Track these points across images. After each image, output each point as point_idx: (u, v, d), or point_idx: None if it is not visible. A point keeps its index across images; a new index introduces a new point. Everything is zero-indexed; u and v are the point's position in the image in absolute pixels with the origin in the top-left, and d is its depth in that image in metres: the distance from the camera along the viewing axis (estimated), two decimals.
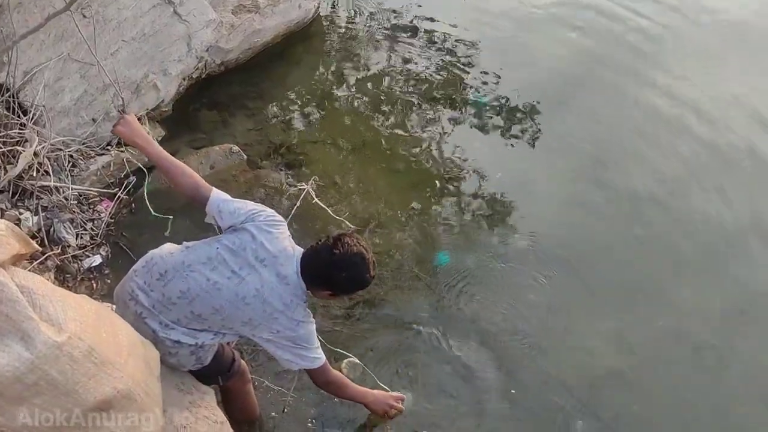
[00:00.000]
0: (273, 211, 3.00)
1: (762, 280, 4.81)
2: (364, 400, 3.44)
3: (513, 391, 3.96)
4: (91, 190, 4.55)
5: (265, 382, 3.77)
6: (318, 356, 3.03)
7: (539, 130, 5.98)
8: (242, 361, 3.35)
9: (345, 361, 3.93)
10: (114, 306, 3.38)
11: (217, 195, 2.99)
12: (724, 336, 4.42)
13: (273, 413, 3.70)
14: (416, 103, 6.08)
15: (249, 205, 2.99)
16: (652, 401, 4.02)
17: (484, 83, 6.34)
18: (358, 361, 3.94)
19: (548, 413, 3.88)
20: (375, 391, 3.51)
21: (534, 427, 3.81)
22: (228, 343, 3.23)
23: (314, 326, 3.01)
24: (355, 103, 6.00)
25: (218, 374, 3.21)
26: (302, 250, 2.96)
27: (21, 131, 4.32)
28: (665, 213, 5.25)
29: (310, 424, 3.71)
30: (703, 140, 5.98)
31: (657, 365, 4.21)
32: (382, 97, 6.10)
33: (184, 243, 3.03)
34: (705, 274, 4.82)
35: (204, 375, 3.19)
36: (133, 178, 4.72)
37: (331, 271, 2.85)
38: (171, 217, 4.16)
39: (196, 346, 2.96)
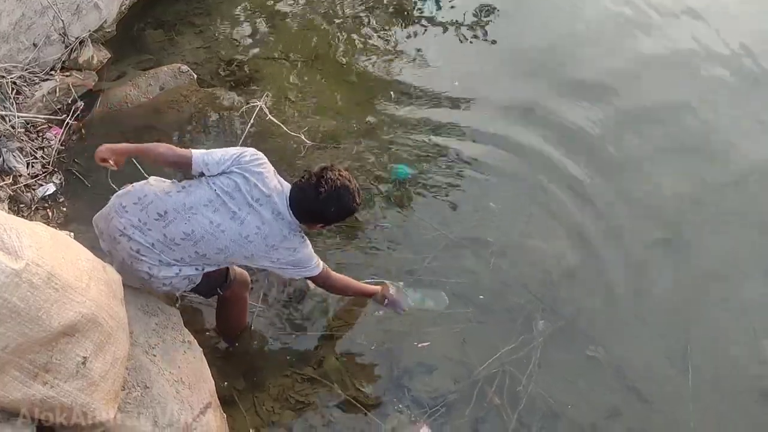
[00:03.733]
0: (253, 149, 3.06)
1: (715, 171, 4.90)
2: (370, 293, 3.70)
3: (481, 297, 4.03)
4: (38, 117, 4.43)
5: None
6: (317, 266, 3.21)
7: (493, 35, 5.93)
8: (239, 269, 3.39)
9: None
10: (71, 233, 3.35)
11: (198, 154, 3.03)
12: (677, 228, 4.53)
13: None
14: (368, 13, 5.96)
15: (230, 151, 3.04)
16: (609, 295, 4.12)
17: None
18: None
19: (511, 315, 3.96)
20: (377, 287, 3.72)
21: (498, 330, 3.89)
22: None
23: (310, 246, 3.17)
24: (306, 16, 5.86)
25: (216, 286, 3.28)
26: (289, 185, 3.04)
27: None
28: (616, 111, 5.28)
29: (280, 333, 3.77)
30: (659, 40, 5.99)
31: (612, 261, 4.29)
32: (333, 9, 5.97)
33: (176, 182, 3.06)
34: (659, 168, 4.88)
35: (203, 291, 3.28)
36: (80, 103, 4.60)
37: (320, 209, 2.97)
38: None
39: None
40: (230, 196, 2.94)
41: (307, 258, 3.15)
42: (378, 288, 3.70)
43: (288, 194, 3.00)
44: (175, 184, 3.04)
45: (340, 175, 2.97)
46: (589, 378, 3.76)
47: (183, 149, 3.07)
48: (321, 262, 3.23)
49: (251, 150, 3.05)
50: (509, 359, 3.75)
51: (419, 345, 3.78)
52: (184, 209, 2.93)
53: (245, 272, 3.44)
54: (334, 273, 3.36)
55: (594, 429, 3.57)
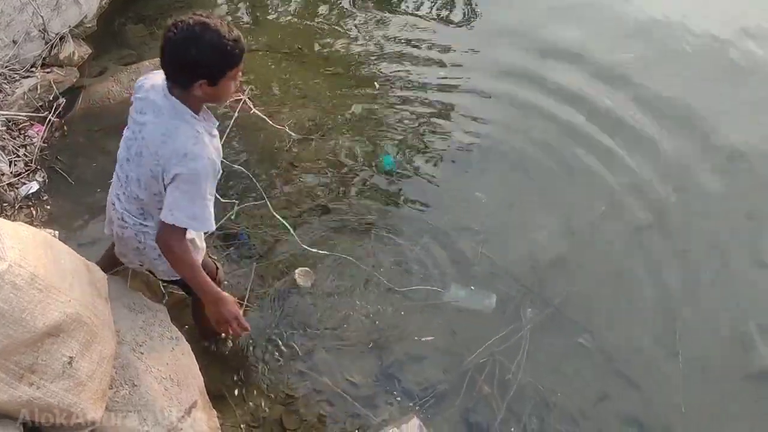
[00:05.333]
0: None
1: (700, 156, 4.93)
2: (203, 295, 2.85)
3: (472, 288, 4.03)
4: (19, 115, 4.39)
5: None
6: (209, 218, 2.70)
7: (476, 19, 5.94)
8: (221, 272, 3.33)
9: (297, 270, 3.95)
10: (56, 233, 3.33)
11: None
12: (664, 213, 4.55)
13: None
14: (351, 4, 5.96)
15: None
16: (597, 282, 4.15)
17: None
18: (310, 270, 3.97)
19: (500, 303, 3.97)
20: (224, 295, 2.89)
21: (487, 319, 3.89)
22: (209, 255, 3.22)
23: (209, 168, 2.62)
24: (288, 7, 5.83)
25: None
26: None
27: None
28: (601, 101, 5.30)
29: (268, 328, 3.74)
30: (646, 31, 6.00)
31: (599, 247, 4.32)
32: (316, 0, 5.96)
33: None
34: (643, 154, 4.91)
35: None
36: (62, 100, 4.57)
37: (179, 58, 2.52)
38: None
39: None
40: (127, 127, 2.77)
41: (199, 182, 2.59)
42: (224, 298, 2.86)
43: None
44: None
45: (194, 14, 2.53)
46: (578, 364, 3.77)
47: None
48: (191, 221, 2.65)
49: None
50: (498, 348, 3.75)
51: (422, 339, 3.78)
52: (120, 162, 2.83)
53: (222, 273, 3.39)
54: (186, 241, 2.77)
55: (584, 415, 3.58)
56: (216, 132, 2.78)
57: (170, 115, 2.61)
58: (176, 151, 2.57)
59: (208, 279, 2.83)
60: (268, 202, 4.08)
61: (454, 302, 3.94)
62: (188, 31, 2.47)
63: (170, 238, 2.68)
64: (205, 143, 2.61)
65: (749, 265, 4.30)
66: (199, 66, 2.52)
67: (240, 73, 2.64)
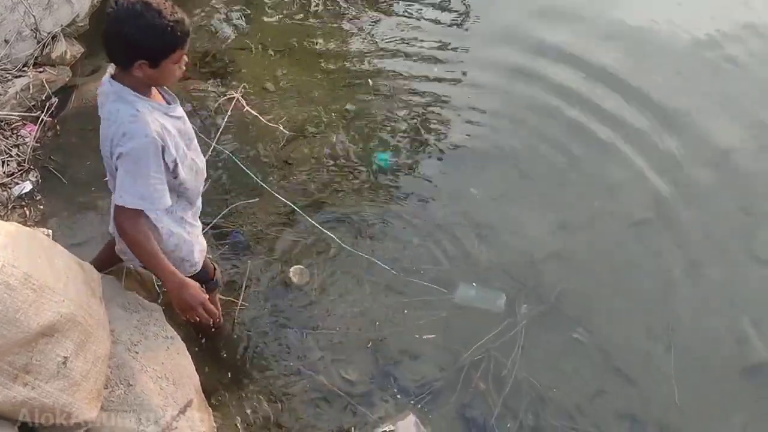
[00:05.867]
0: None
1: (695, 154, 4.92)
2: (165, 281, 2.76)
3: (474, 284, 4.03)
4: (12, 115, 4.37)
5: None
6: (159, 198, 2.60)
7: (473, 16, 5.94)
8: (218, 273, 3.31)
9: (292, 268, 3.94)
10: (50, 232, 3.32)
11: None
12: (658, 208, 4.55)
13: (227, 323, 3.70)
14: (344, 2, 5.95)
15: None
16: (591, 277, 4.15)
17: None
18: (304, 268, 3.97)
19: None
20: (187, 280, 2.76)
21: (482, 315, 3.90)
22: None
23: (149, 146, 2.51)
24: (282, 5, 5.82)
25: (203, 283, 3.06)
26: None
27: None
28: (593, 97, 5.30)
29: (264, 326, 3.75)
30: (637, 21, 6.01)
31: (593, 242, 4.32)
32: None
33: None
34: (637, 150, 4.91)
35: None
36: (55, 99, 4.55)
37: (118, 36, 2.43)
38: None
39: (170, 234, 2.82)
40: None
41: (139, 161, 2.50)
42: (187, 283, 2.73)
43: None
44: None
45: None
46: (573, 360, 3.78)
47: None
48: (145, 203, 2.56)
49: None
50: (494, 344, 3.76)
51: (423, 337, 3.78)
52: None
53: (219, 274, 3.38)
54: (144, 224, 2.65)
55: (580, 410, 3.58)
56: (179, 113, 2.72)
57: (113, 99, 2.54)
58: (117, 131, 2.51)
59: (169, 264, 2.71)
60: (266, 187, 4.14)
61: (463, 303, 3.93)
62: (129, 9, 2.39)
63: (122, 219, 2.60)
64: (145, 122, 2.50)
65: (744, 260, 4.31)
66: (138, 46, 2.44)
67: (185, 58, 2.57)
